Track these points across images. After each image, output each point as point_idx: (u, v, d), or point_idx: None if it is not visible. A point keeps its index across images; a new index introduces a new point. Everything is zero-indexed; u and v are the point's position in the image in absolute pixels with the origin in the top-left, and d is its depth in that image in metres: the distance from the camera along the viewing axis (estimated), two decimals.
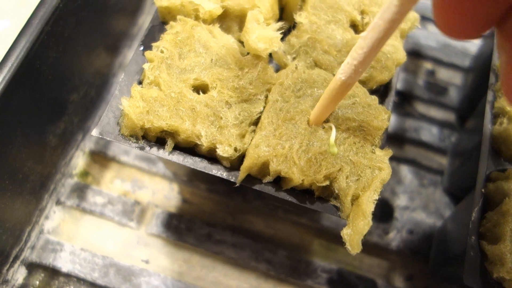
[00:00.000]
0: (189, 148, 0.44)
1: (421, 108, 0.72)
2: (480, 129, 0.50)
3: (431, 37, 0.78)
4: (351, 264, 0.61)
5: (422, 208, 0.65)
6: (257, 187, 0.42)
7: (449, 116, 0.72)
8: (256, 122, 0.43)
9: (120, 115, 0.43)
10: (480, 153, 0.48)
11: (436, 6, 0.24)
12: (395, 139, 0.69)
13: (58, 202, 0.61)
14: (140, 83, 0.45)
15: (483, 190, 0.46)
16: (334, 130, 0.40)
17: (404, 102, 0.72)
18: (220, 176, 0.42)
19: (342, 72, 0.34)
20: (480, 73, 0.67)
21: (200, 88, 0.44)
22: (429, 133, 0.70)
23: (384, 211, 0.64)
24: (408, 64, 0.76)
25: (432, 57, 0.77)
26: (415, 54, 0.77)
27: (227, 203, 0.63)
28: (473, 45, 0.78)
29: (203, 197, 0.63)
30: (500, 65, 0.25)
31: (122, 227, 0.61)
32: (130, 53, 0.71)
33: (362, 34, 0.31)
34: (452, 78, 0.75)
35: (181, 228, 0.61)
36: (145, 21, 0.73)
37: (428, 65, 0.76)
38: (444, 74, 0.75)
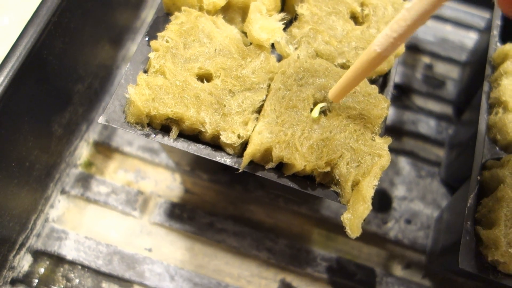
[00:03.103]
0: (193, 136, 0.45)
1: (419, 101, 0.73)
2: (477, 120, 0.51)
3: (429, 31, 0.80)
4: (350, 253, 0.63)
5: (420, 198, 0.66)
6: (259, 173, 0.43)
7: (446, 109, 0.73)
8: (258, 110, 0.44)
9: (125, 103, 0.44)
10: (476, 142, 0.49)
11: None
12: (393, 132, 0.70)
13: (63, 191, 0.62)
14: (145, 72, 0.46)
15: (479, 177, 0.47)
16: (323, 104, 0.43)
17: (402, 95, 0.74)
18: (224, 162, 0.43)
19: (378, 44, 0.32)
20: (476, 67, 0.68)
21: (204, 77, 0.45)
22: (427, 126, 0.71)
23: (382, 201, 0.66)
24: (407, 58, 0.77)
25: (430, 51, 0.78)
26: (413, 48, 0.78)
27: (229, 193, 0.64)
28: (470, 40, 0.79)
29: (205, 187, 0.65)
30: None
31: (126, 216, 0.62)
32: (133, 46, 0.72)
33: (407, 5, 0.29)
34: (449, 72, 0.76)
35: (183, 217, 0.62)
36: (148, 14, 0.74)
37: (426, 59, 0.77)
38: (441, 68, 0.77)
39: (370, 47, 0.33)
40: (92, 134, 0.66)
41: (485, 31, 0.69)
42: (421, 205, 0.65)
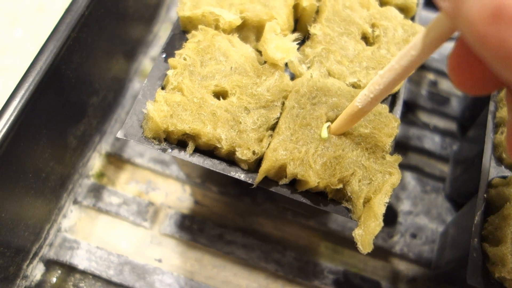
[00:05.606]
0: (208, 151, 0.46)
1: (424, 117, 0.75)
2: (482, 138, 0.53)
3: None
4: (356, 266, 0.64)
5: (425, 213, 0.67)
6: (273, 188, 0.44)
7: (451, 125, 0.75)
8: (273, 127, 0.46)
9: (143, 118, 0.46)
10: (482, 160, 0.51)
11: (451, 70, 0.26)
12: (399, 147, 0.72)
13: (75, 202, 0.63)
14: (162, 88, 0.47)
15: (485, 195, 0.49)
16: (329, 123, 0.44)
17: (408, 111, 0.75)
18: (238, 177, 0.45)
19: (359, 101, 0.36)
20: None
21: (220, 94, 0.46)
22: (432, 141, 0.73)
23: (388, 216, 0.67)
24: (412, 75, 0.78)
25: (434, 68, 0.79)
26: None
27: (238, 205, 0.65)
28: None
29: (214, 199, 0.66)
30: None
31: (137, 226, 0.63)
32: (145, 60, 0.73)
33: (380, 72, 0.33)
34: (454, 89, 0.78)
35: (193, 228, 0.63)
36: (160, 29, 0.75)
37: (430, 76, 0.79)
38: (446, 85, 0.78)
39: (353, 102, 0.38)
40: (105, 146, 0.67)
41: None
42: (426, 220, 0.67)
